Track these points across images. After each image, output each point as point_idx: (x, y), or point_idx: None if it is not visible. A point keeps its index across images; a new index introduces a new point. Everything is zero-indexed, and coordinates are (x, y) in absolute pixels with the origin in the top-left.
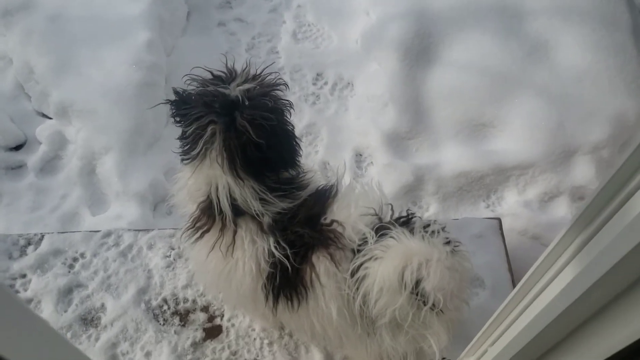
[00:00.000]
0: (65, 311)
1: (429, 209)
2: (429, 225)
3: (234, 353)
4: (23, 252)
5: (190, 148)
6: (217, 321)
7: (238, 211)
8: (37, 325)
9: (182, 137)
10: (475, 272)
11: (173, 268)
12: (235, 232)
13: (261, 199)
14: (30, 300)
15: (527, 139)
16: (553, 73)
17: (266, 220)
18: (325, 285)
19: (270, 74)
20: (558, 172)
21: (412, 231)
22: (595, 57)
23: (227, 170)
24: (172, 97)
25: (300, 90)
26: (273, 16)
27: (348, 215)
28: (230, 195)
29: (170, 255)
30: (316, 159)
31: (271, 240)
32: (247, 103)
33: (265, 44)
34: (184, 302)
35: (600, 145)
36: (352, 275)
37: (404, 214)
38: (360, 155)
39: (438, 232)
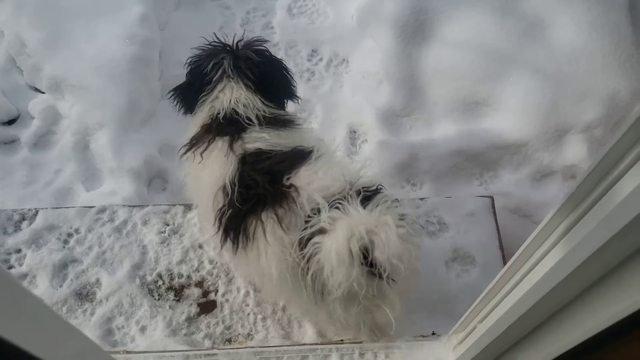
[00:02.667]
0: (61, 286)
1: (423, 187)
2: (387, 201)
3: (228, 328)
4: (17, 227)
5: (209, 82)
6: (212, 296)
7: (227, 130)
8: (29, 301)
9: (201, 81)
10: (466, 250)
11: (168, 244)
12: (212, 141)
13: (256, 116)
14: (25, 275)
15: (521, 117)
16: (548, 52)
17: (240, 145)
18: (270, 244)
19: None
20: (551, 151)
21: (366, 206)
22: (590, 36)
23: (240, 82)
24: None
25: (295, 66)
26: None
27: (309, 183)
28: (233, 109)
29: (164, 231)
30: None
31: (232, 167)
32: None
33: (260, 18)
34: (178, 278)
35: (593, 124)
36: (301, 247)
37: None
38: (355, 132)
39: (395, 207)
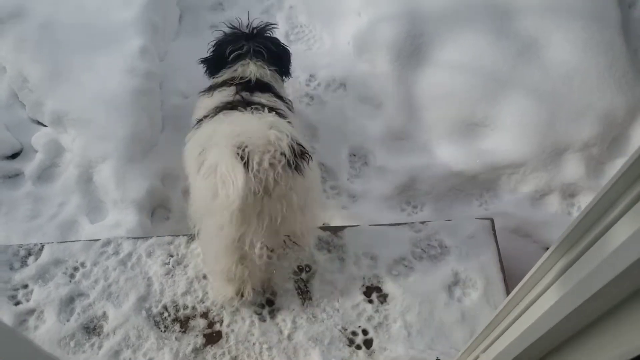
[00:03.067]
0: (68, 320)
1: (423, 209)
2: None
3: (234, 358)
4: (24, 263)
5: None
6: (217, 327)
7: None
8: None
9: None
10: (467, 273)
11: (172, 275)
12: (224, 88)
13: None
14: (32, 311)
15: (519, 137)
16: (543, 71)
17: (244, 95)
18: None
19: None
20: (549, 170)
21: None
22: (585, 55)
23: (256, 62)
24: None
25: (294, 91)
26: (266, 18)
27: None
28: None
29: (169, 262)
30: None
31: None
32: (255, 32)
33: None
34: (183, 309)
35: (590, 142)
36: None
37: None
38: (354, 155)
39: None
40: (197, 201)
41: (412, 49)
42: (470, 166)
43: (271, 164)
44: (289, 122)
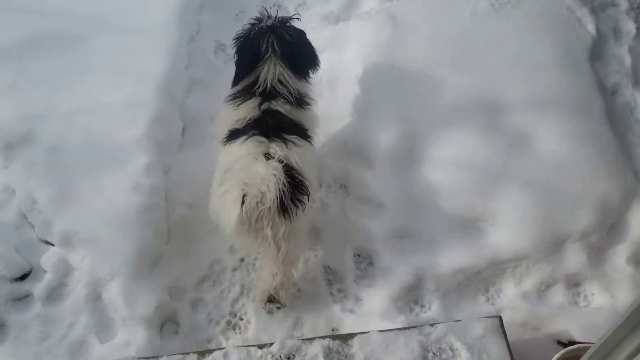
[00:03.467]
0: None
1: (431, 307)
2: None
3: None
4: None
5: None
6: None
7: (262, 94)
8: None
9: (250, 54)
10: None
11: None
12: (249, 98)
13: (280, 82)
14: None
15: (518, 230)
16: (535, 163)
17: (267, 105)
18: None
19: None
20: (551, 261)
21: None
22: (573, 145)
23: (279, 59)
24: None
25: None
26: None
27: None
28: (269, 79)
29: None
30: (316, 262)
31: (255, 113)
32: (278, 24)
33: None
34: None
35: (588, 231)
36: None
37: None
38: (359, 255)
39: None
40: (214, 202)
41: (408, 149)
42: (474, 262)
43: (259, 209)
44: (300, 148)
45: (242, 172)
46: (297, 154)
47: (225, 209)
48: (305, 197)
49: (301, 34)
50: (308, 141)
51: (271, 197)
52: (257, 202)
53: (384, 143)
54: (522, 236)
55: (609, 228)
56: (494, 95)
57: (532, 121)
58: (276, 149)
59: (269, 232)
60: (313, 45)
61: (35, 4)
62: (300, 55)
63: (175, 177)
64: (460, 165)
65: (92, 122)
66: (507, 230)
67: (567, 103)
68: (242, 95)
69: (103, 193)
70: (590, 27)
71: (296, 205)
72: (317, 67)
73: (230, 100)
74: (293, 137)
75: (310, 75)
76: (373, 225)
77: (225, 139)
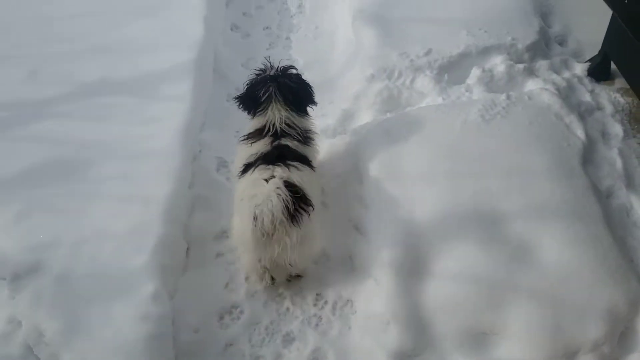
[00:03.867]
0: None
1: None
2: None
3: None
4: None
5: (260, 104)
6: None
7: (272, 134)
8: None
9: (255, 98)
10: None
11: None
12: (261, 138)
13: (288, 125)
14: None
15: (529, 343)
16: (538, 273)
17: (277, 141)
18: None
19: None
20: None
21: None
22: (575, 252)
23: (282, 104)
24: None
25: (302, 312)
26: None
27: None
28: (277, 123)
29: None
30: None
31: (267, 148)
32: (280, 73)
33: None
34: None
35: (599, 341)
36: None
37: None
38: None
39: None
40: (234, 229)
41: (412, 263)
42: None
43: (271, 221)
44: (301, 172)
45: (251, 197)
46: (298, 175)
47: (243, 230)
48: (310, 207)
49: (299, 77)
50: (309, 166)
51: (277, 209)
52: (266, 217)
53: (389, 257)
54: (533, 349)
55: (620, 337)
56: (490, 207)
57: (531, 230)
58: (278, 170)
59: (286, 239)
60: (310, 84)
61: (44, 131)
62: (301, 96)
63: (181, 301)
64: (463, 278)
65: (99, 250)
66: (517, 343)
67: (565, 210)
68: (255, 135)
69: (111, 323)
70: (580, 132)
71: (301, 213)
72: (315, 103)
73: (245, 139)
74: (295, 163)
75: (311, 109)
76: (382, 344)
77: (240, 173)
